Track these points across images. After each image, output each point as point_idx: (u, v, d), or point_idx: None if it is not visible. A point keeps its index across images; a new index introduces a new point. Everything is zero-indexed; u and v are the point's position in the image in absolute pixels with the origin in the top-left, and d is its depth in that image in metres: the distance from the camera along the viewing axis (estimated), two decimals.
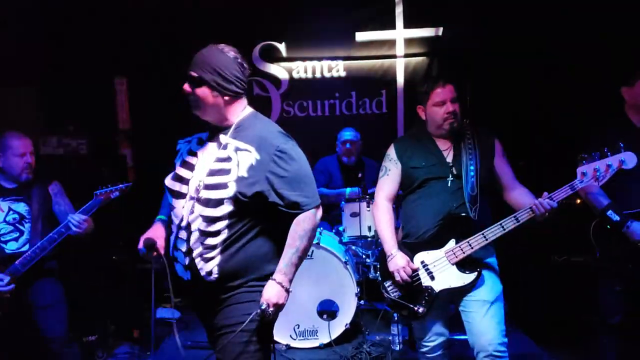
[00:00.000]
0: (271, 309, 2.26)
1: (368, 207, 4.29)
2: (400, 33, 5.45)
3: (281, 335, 4.05)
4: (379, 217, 3.01)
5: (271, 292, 2.27)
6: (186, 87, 2.32)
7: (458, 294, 2.90)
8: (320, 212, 2.37)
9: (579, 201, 3.44)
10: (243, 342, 2.30)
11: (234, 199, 2.25)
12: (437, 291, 2.86)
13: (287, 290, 2.30)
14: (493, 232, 2.75)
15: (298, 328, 4.05)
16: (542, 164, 4.89)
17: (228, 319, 2.32)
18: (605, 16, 4.76)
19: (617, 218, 3.11)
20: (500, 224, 2.73)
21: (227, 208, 2.25)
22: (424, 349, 3.12)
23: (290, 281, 2.31)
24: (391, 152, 3.03)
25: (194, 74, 2.29)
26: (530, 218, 2.71)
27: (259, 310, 2.26)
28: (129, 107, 5.50)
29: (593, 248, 3.32)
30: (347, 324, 4.02)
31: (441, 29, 5.33)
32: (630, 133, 3.24)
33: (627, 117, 3.31)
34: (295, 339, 4.05)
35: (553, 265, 4.56)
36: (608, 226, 3.17)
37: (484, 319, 2.84)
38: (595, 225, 3.28)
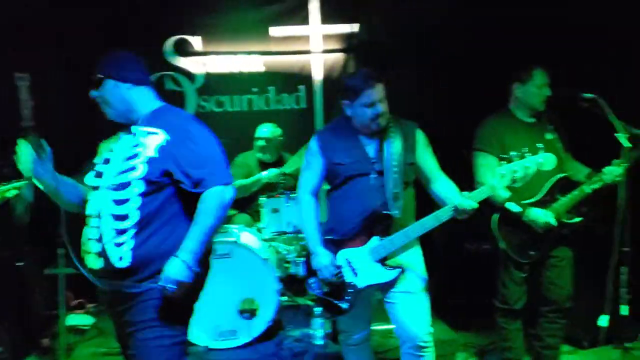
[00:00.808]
0: (172, 286, 2.16)
1: (288, 202, 4.27)
2: (315, 29, 5.45)
3: (200, 337, 3.95)
4: (302, 213, 2.98)
5: (172, 269, 2.17)
6: (92, 91, 2.38)
7: (382, 288, 2.92)
8: (230, 192, 2.29)
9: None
10: (158, 337, 2.23)
11: (145, 180, 2.23)
12: (360, 287, 2.87)
13: (192, 270, 2.19)
14: (415, 230, 2.78)
15: (218, 329, 3.97)
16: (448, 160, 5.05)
17: (142, 315, 2.24)
18: (505, 13, 4.98)
19: (517, 209, 3.25)
20: (422, 223, 2.76)
21: (137, 189, 2.23)
22: (348, 341, 3.14)
23: (198, 262, 2.22)
24: (314, 145, 2.97)
25: (97, 75, 2.36)
26: (452, 216, 2.74)
27: (158, 286, 2.18)
28: (32, 104, 5.18)
29: (496, 240, 3.46)
30: (268, 322, 3.98)
31: (357, 25, 5.37)
32: (519, 127, 3.43)
33: (514, 112, 3.48)
34: (215, 340, 3.97)
35: (466, 253, 4.70)
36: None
37: (410, 311, 2.88)
38: (497, 217, 3.42)
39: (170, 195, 2.28)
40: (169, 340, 2.25)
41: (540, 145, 2.74)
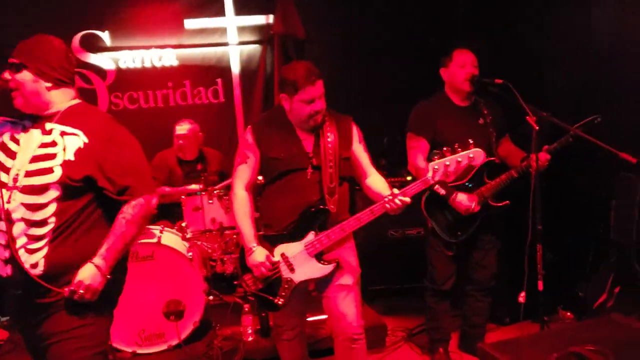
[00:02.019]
0: (82, 290, 2.12)
1: (210, 200, 4.18)
2: (231, 20, 5.35)
3: (125, 342, 3.81)
4: (236, 208, 2.91)
5: (85, 274, 2.13)
6: (5, 74, 2.19)
7: (318, 282, 2.93)
8: (154, 201, 2.27)
9: (409, 178, 3.61)
10: (78, 348, 2.14)
11: (62, 184, 2.12)
12: (296, 282, 2.87)
13: (105, 277, 2.17)
14: (350, 224, 2.78)
15: (143, 333, 3.84)
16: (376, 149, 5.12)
17: (59, 326, 2.14)
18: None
19: (443, 192, 3.33)
20: (358, 217, 2.77)
21: (53, 194, 2.13)
22: (283, 335, 3.13)
23: (110, 268, 2.18)
24: (249, 137, 2.90)
25: (15, 60, 2.18)
26: (386, 210, 2.75)
27: (68, 290, 2.13)
28: None
29: (425, 220, 3.54)
30: (195, 322, 3.89)
31: (272, 16, 5.31)
32: (452, 111, 3.50)
33: (448, 97, 3.55)
34: (141, 345, 3.84)
35: (390, 240, 4.78)
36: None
37: (343, 304, 2.90)
38: (426, 198, 3.50)
39: (90, 200, 2.19)
40: (89, 351, 2.16)
41: (471, 140, 2.75)
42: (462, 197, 3.39)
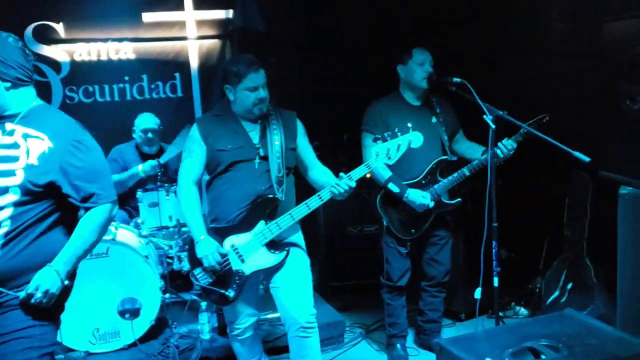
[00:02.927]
0: (40, 294, 2.09)
1: (167, 195, 4.11)
2: (190, 14, 5.25)
3: (78, 341, 3.71)
4: (184, 202, 2.90)
5: (44, 278, 2.10)
6: None
7: (268, 273, 2.93)
8: (116, 209, 2.28)
9: (368, 175, 3.62)
10: (25, 349, 2.09)
11: (22, 188, 2.07)
12: (247, 274, 2.85)
13: (63, 282, 2.14)
14: (299, 211, 2.81)
15: (98, 332, 3.75)
16: (336, 145, 5.14)
17: (5, 327, 2.09)
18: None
19: (397, 189, 3.36)
20: (306, 204, 2.80)
21: (12, 197, 2.07)
22: (236, 332, 3.11)
23: (69, 273, 2.16)
24: (195, 132, 2.90)
25: None
26: (332, 195, 2.80)
27: (24, 293, 2.09)
28: None
29: (380, 218, 3.56)
30: (151, 320, 3.82)
31: (231, 11, 5.25)
32: (405, 110, 3.53)
33: (402, 95, 3.58)
34: (95, 344, 3.75)
35: (349, 236, 4.79)
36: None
37: (294, 294, 2.91)
38: (381, 196, 3.52)
39: (49, 205, 2.14)
40: (37, 352, 2.11)
41: (410, 124, 2.86)
42: (414, 194, 3.43)
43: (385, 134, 2.77)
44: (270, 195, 2.82)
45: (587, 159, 2.73)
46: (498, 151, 3.32)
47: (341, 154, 5.06)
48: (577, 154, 2.76)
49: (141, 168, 4.31)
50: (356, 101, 3.82)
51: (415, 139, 2.79)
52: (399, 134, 2.77)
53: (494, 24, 4.54)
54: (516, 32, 4.42)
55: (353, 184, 2.77)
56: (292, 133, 2.95)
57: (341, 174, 2.80)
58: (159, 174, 4.21)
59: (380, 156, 2.76)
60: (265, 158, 2.86)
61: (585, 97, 3.68)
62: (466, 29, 4.64)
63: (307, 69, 5.20)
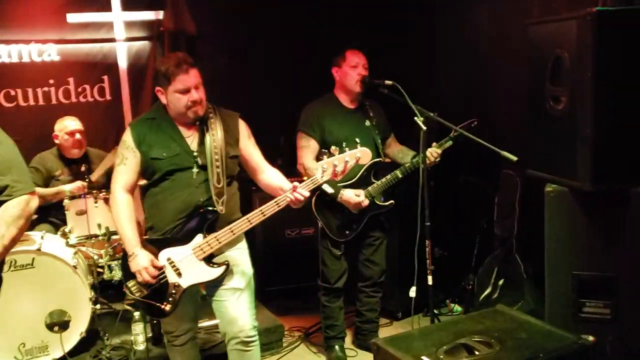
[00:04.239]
0: None
1: (96, 202, 3.96)
2: (118, 15, 5.09)
3: (4, 357, 3.51)
4: (117, 212, 2.76)
5: None
6: None
7: (208, 285, 2.84)
8: (35, 202, 2.19)
9: (305, 178, 3.61)
10: None
11: None
12: (184, 287, 2.75)
13: None
14: (240, 226, 2.70)
15: (24, 347, 3.55)
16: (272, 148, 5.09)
17: None
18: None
19: (331, 190, 3.37)
20: (247, 219, 2.69)
21: None
22: (174, 342, 3.02)
23: None
24: (128, 138, 2.76)
25: None
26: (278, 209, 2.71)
27: None
28: None
29: (316, 220, 3.56)
30: (82, 333, 3.66)
31: (161, 12, 5.12)
32: (340, 113, 3.55)
33: (337, 98, 3.60)
34: (22, 359, 3.55)
35: (287, 239, 4.77)
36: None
37: (235, 307, 2.82)
38: (316, 198, 3.52)
39: None
40: None
41: (358, 139, 2.83)
42: (349, 194, 3.45)
43: (332, 149, 2.68)
44: (209, 208, 2.71)
45: (514, 158, 2.82)
46: (428, 155, 3.40)
47: (278, 157, 5.02)
48: (505, 153, 2.84)
49: (68, 189, 4.13)
50: (292, 103, 3.81)
51: (364, 155, 2.71)
52: (346, 149, 2.69)
53: (424, 29, 4.64)
54: (446, 36, 4.52)
55: (307, 194, 2.68)
56: (233, 137, 2.82)
57: (296, 183, 2.69)
58: (86, 193, 4.04)
59: (327, 172, 2.65)
60: (203, 167, 2.73)
61: (514, 98, 3.82)
62: (398, 31, 4.71)
63: (241, 71, 5.16)
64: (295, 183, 2.70)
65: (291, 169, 4.42)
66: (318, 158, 2.71)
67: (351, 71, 3.49)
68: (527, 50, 2.83)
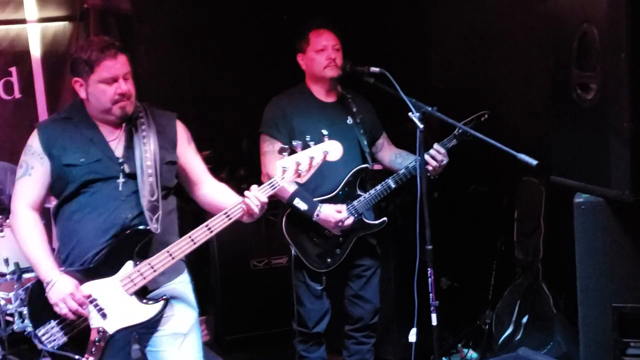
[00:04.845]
0: None
1: (1, 231, 3.93)
2: None
3: None
4: (23, 234, 2.73)
5: None
6: None
7: (142, 330, 2.82)
8: None
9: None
10: None
11: None
12: (111, 333, 2.72)
13: None
14: (181, 248, 2.69)
15: None
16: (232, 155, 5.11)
17: None
18: None
19: (305, 207, 3.37)
20: (190, 237, 2.69)
21: None
22: None
23: None
24: (34, 142, 2.74)
25: None
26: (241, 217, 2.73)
27: None
28: None
29: (288, 245, 3.57)
30: None
31: None
32: (313, 108, 3.59)
33: (309, 90, 3.61)
34: None
35: (253, 272, 4.78)
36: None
37: (178, 356, 2.82)
38: (287, 217, 3.53)
39: None
40: None
41: (325, 131, 2.85)
42: (327, 210, 3.46)
43: (294, 143, 2.73)
44: (141, 227, 2.70)
45: (534, 161, 2.84)
46: (429, 160, 3.41)
47: (240, 165, 5.03)
48: (523, 156, 2.86)
49: None
50: (255, 99, 3.82)
51: (333, 150, 2.75)
52: (311, 143, 2.73)
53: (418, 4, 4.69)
54: (444, 10, 4.56)
55: (264, 199, 2.70)
56: (170, 141, 2.83)
57: (254, 186, 2.72)
58: None
59: (288, 173, 2.70)
60: (132, 176, 2.73)
61: (532, 88, 3.86)
62: (385, 9, 4.75)
63: (189, 60, 5.15)
64: (254, 186, 2.73)
65: (257, 180, 4.46)
66: (279, 155, 2.74)
67: (318, 56, 3.52)
68: (546, 26, 2.86)
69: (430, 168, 3.43)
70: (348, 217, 3.49)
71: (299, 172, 2.71)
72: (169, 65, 5.01)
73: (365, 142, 3.63)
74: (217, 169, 4.48)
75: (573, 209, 2.84)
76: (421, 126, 3.01)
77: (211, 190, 2.95)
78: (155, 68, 4.94)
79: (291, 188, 3.42)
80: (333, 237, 3.53)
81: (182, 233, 2.80)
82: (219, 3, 5.21)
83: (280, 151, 2.77)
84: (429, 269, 3.06)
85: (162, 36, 5.13)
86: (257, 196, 2.69)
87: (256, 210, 2.70)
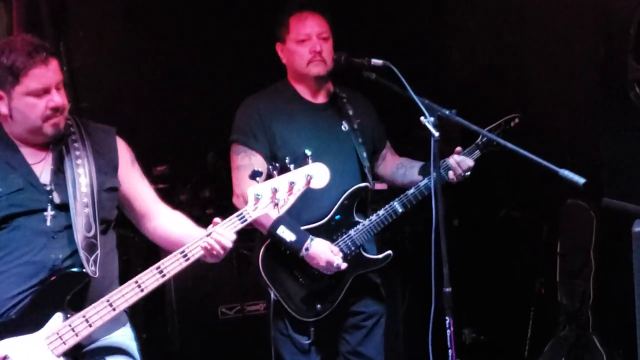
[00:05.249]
0: None
1: None
2: None
3: None
4: None
5: None
6: None
7: None
8: None
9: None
10: None
11: None
12: None
13: None
14: (125, 296, 2.68)
15: None
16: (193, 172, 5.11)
17: None
18: None
19: (291, 238, 3.37)
20: (137, 282, 2.68)
21: None
22: None
23: None
24: None
25: None
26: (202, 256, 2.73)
27: None
28: None
29: (266, 287, 3.54)
30: None
31: None
32: (298, 111, 3.58)
33: (292, 88, 3.64)
34: None
35: (222, 322, 4.78)
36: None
37: None
38: (266, 251, 3.52)
39: None
40: None
41: (308, 151, 2.86)
42: (320, 246, 3.45)
43: (270, 167, 2.74)
44: (74, 270, 2.70)
45: (581, 180, 2.83)
46: (445, 174, 3.40)
47: (204, 185, 5.02)
48: (566, 172, 2.85)
49: None
50: (225, 101, 3.82)
51: (318, 175, 2.76)
52: (291, 166, 2.74)
53: None
54: None
55: (233, 237, 2.70)
56: (109, 162, 2.86)
57: (217, 218, 2.71)
58: None
59: (262, 202, 2.71)
60: (63, 207, 2.74)
61: (576, 84, 3.86)
62: None
63: (141, 49, 5.15)
64: (217, 220, 2.73)
65: (227, 204, 4.45)
66: (252, 179, 2.75)
67: (299, 48, 3.53)
68: (596, 8, 2.87)
69: (446, 177, 3.43)
70: (342, 264, 3.45)
71: (276, 201, 2.73)
72: (114, 56, 4.98)
73: (365, 154, 3.63)
74: (176, 190, 4.47)
75: (631, 240, 2.83)
76: (436, 134, 3.01)
77: (165, 221, 2.97)
78: (96, 61, 4.92)
79: (274, 214, 3.40)
80: (324, 276, 3.52)
81: (127, 275, 2.81)
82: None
83: (253, 176, 2.77)
84: (447, 318, 3.05)
85: (106, 18, 5.11)
86: (221, 233, 2.70)
87: (220, 251, 2.70)
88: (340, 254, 3.47)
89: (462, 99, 3.34)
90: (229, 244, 2.72)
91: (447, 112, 3.10)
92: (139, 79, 4.95)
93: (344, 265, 3.46)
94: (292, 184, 2.72)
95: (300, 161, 2.78)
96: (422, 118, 3.06)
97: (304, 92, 3.62)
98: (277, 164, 2.77)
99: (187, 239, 2.77)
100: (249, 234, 3.55)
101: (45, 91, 2.67)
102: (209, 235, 2.70)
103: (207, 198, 4.87)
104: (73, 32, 5.02)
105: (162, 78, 5.12)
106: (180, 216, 2.99)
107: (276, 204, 2.73)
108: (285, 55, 3.59)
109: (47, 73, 2.67)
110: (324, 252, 3.44)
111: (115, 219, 2.90)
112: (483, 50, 4.61)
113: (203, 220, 2.86)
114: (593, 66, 2.99)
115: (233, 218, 2.74)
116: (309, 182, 2.75)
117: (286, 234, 3.36)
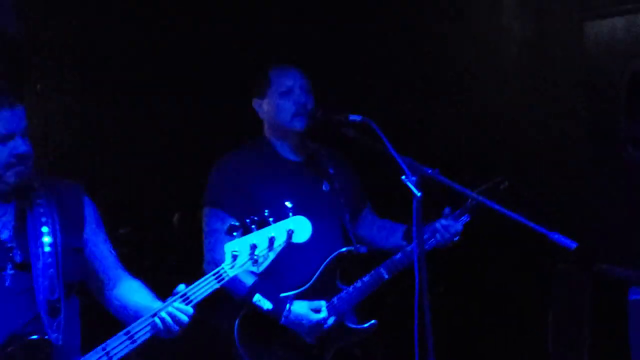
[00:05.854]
0: None
1: None
2: None
3: None
4: None
5: None
6: None
7: None
8: None
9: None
10: None
11: None
12: None
13: None
14: None
15: None
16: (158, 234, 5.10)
17: None
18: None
19: (269, 305, 3.37)
20: (104, 349, 2.66)
21: None
22: None
23: None
24: None
25: None
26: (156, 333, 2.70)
27: None
28: None
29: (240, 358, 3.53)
30: None
31: None
32: (276, 170, 3.63)
33: (270, 145, 3.67)
34: None
35: None
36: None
37: None
38: (242, 322, 3.51)
39: None
40: None
41: (289, 204, 2.86)
42: (300, 309, 3.46)
43: (248, 221, 2.75)
44: (34, 337, 2.68)
45: (573, 244, 2.86)
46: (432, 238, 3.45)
47: (169, 250, 5.02)
48: (557, 236, 2.88)
49: None
50: (195, 158, 3.83)
51: (299, 229, 2.77)
52: (270, 219, 2.75)
53: (413, 30, 4.77)
54: (452, 43, 4.65)
55: (190, 311, 2.69)
56: (75, 221, 2.87)
57: (183, 284, 2.72)
58: None
59: (240, 259, 2.71)
60: (24, 267, 2.74)
61: (564, 143, 3.91)
62: (370, 40, 4.85)
63: (101, 100, 5.16)
64: (180, 287, 2.70)
65: (193, 270, 4.46)
66: (228, 236, 2.72)
67: (282, 101, 3.56)
68: (582, 63, 2.91)
69: (435, 241, 3.47)
70: (329, 317, 3.48)
71: (255, 258, 2.72)
72: (73, 108, 4.99)
73: (348, 217, 3.67)
74: (138, 255, 4.46)
75: (627, 308, 2.85)
76: (418, 194, 3.03)
77: (125, 290, 2.94)
78: (56, 112, 4.93)
79: (248, 280, 3.40)
80: (305, 347, 3.51)
81: (89, 343, 2.78)
82: (149, 22, 5.23)
83: (230, 230, 2.79)
84: None
85: (65, 70, 5.13)
86: (178, 307, 2.67)
87: (175, 327, 2.68)
88: (324, 307, 3.47)
89: (448, 157, 3.36)
90: (185, 320, 2.69)
91: (430, 171, 3.14)
92: (97, 133, 4.94)
93: (330, 320, 3.46)
94: (272, 239, 2.71)
95: (280, 214, 2.77)
96: (402, 177, 3.09)
97: (282, 149, 3.63)
98: (255, 217, 2.76)
99: (140, 311, 2.77)
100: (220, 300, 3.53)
101: (10, 137, 2.67)
102: (162, 310, 2.68)
103: (172, 265, 4.84)
104: (29, 84, 5.06)
105: (123, 132, 5.09)
106: (137, 284, 2.95)
107: (255, 261, 2.71)
108: (266, 110, 3.63)
109: (12, 118, 2.68)
110: (305, 315, 3.45)
111: (78, 284, 2.89)
112: (470, 105, 4.65)
113: (164, 292, 2.82)
114: (581, 122, 3.03)
115: (209, 277, 2.71)
116: (290, 237, 2.74)
117: (262, 302, 3.35)
